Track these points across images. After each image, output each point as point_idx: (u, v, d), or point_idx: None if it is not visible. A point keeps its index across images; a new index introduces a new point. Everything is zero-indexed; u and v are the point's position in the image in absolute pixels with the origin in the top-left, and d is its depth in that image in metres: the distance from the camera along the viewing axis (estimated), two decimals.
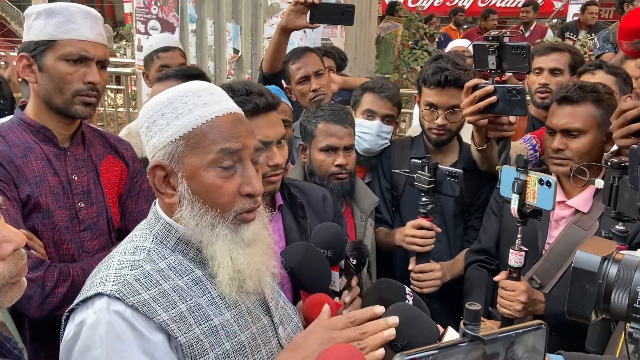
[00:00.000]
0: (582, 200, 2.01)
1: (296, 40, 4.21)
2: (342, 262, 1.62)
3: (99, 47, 1.72)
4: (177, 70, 2.33)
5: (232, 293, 1.19)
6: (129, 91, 6.90)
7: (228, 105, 1.22)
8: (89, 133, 1.87)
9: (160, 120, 1.18)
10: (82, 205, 1.75)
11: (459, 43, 4.31)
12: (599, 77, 2.55)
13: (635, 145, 1.50)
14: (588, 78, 2.46)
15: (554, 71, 2.77)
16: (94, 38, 1.70)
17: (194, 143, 1.16)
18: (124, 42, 10.24)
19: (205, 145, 1.16)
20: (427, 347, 0.80)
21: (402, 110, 5.94)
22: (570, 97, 1.96)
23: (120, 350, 1.08)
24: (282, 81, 2.88)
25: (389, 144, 2.52)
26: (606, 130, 1.96)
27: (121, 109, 7.36)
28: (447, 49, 4.47)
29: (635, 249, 1.80)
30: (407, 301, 1.37)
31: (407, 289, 1.42)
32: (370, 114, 2.45)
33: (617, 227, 1.68)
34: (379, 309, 1.20)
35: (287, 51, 2.80)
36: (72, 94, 1.68)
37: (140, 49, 4.85)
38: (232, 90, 1.63)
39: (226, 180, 1.17)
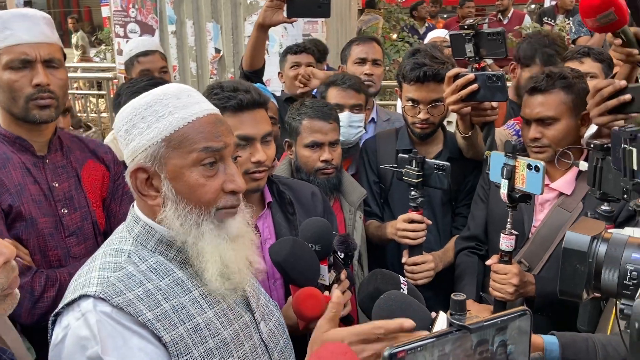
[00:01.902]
0: (565, 182, 2.04)
1: (277, 37, 4.20)
2: (331, 256, 1.63)
3: (41, 46, 1.67)
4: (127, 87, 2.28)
5: (221, 288, 1.21)
6: (111, 96, 6.83)
7: (207, 106, 1.24)
8: (66, 139, 1.86)
9: (140, 123, 1.19)
10: (66, 211, 1.74)
11: (438, 34, 4.33)
12: (587, 65, 2.59)
13: (617, 127, 1.52)
14: (576, 65, 2.49)
15: None
16: (32, 39, 1.65)
17: (175, 144, 1.17)
18: (103, 47, 10.13)
19: (188, 145, 1.17)
20: (415, 338, 0.82)
21: (388, 102, 5.99)
22: (539, 86, 1.99)
23: (114, 346, 1.09)
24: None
25: (364, 131, 2.54)
26: (580, 113, 1.99)
27: (104, 114, 7.30)
28: (425, 40, 4.50)
29: (620, 227, 1.84)
30: (401, 290, 1.38)
31: (402, 279, 1.43)
32: (337, 108, 2.45)
33: (603, 207, 1.71)
34: (408, 323, 1.14)
35: (267, 47, 2.81)
36: (24, 101, 1.66)
37: (120, 52, 4.81)
38: (220, 87, 1.65)
39: (209, 178, 1.19)
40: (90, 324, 1.10)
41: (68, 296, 1.17)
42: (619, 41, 1.84)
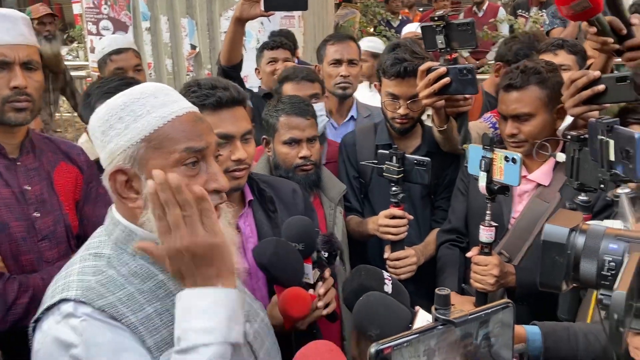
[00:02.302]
0: (543, 173, 2.07)
1: (254, 32, 4.17)
2: (315, 254, 1.63)
3: (20, 48, 1.65)
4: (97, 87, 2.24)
5: None
6: None
7: (186, 104, 1.22)
8: (38, 141, 1.82)
9: (117, 124, 1.15)
10: (38, 214, 1.71)
11: (411, 28, 4.32)
12: (561, 57, 2.61)
13: (594, 119, 1.54)
14: (550, 58, 2.51)
15: None
16: (11, 40, 1.63)
17: (156, 144, 1.14)
18: (75, 44, 9.94)
19: (169, 145, 1.15)
20: (401, 334, 0.82)
21: None
22: (514, 83, 2.01)
23: (103, 341, 1.06)
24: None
25: (327, 119, 2.55)
26: (555, 107, 2.01)
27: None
28: (402, 34, 4.50)
29: (596, 216, 1.87)
30: (385, 286, 1.38)
31: (386, 274, 1.44)
32: None
33: (580, 197, 1.73)
34: None
35: (244, 42, 2.79)
36: (1, 102, 1.64)
37: (93, 50, 4.72)
38: (198, 85, 1.63)
39: (192, 178, 1.16)
40: (72, 326, 1.07)
41: (47, 301, 1.14)
42: (593, 29, 1.85)
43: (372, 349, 0.78)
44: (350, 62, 2.87)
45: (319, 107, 2.47)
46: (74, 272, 1.16)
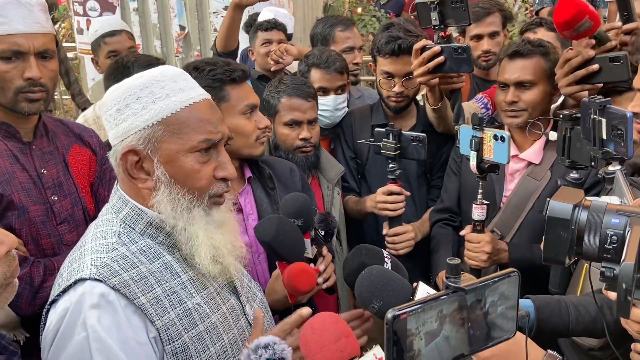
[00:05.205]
0: (534, 152, 2.11)
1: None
2: (312, 231, 1.67)
3: (36, 37, 1.59)
4: (135, 61, 2.21)
5: (213, 271, 1.23)
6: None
7: (201, 91, 1.25)
8: (50, 124, 1.81)
9: (134, 103, 1.17)
10: (56, 198, 1.70)
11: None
12: (541, 35, 2.65)
13: (586, 99, 1.59)
14: (530, 36, 2.56)
15: (492, 35, 2.80)
16: (27, 29, 1.58)
17: (174, 129, 1.17)
18: (58, 25, 9.73)
19: (187, 132, 1.18)
20: (415, 301, 0.86)
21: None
22: (521, 51, 2.05)
23: (115, 330, 1.10)
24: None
25: (347, 109, 2.56)
26: (553, 82, 2.06)
27: (66, 97, 7.06)
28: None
29: (587, 193, 1.93)
30: (385, 264, 1.43)
31: (385, 253, 1.48)
32: (323, 91, 2.45)
33: (572, 175, 1.79)
34: (306, 311, 1.33)
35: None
36: (14, 93, 1.59)
37: (80, 31, 4.67)
38: (213, 64, 1.69)
39: (204, 164, 1.20)
40: (84, 308, 1.10)
41: (63, 283, 1.16)
42: (592, 42, 1.89)
43: (389, 314, 0.82)
44: (360, 49, 2.81)
45: (343, 99, 2.49)
46: (87, 251, 1.19)
